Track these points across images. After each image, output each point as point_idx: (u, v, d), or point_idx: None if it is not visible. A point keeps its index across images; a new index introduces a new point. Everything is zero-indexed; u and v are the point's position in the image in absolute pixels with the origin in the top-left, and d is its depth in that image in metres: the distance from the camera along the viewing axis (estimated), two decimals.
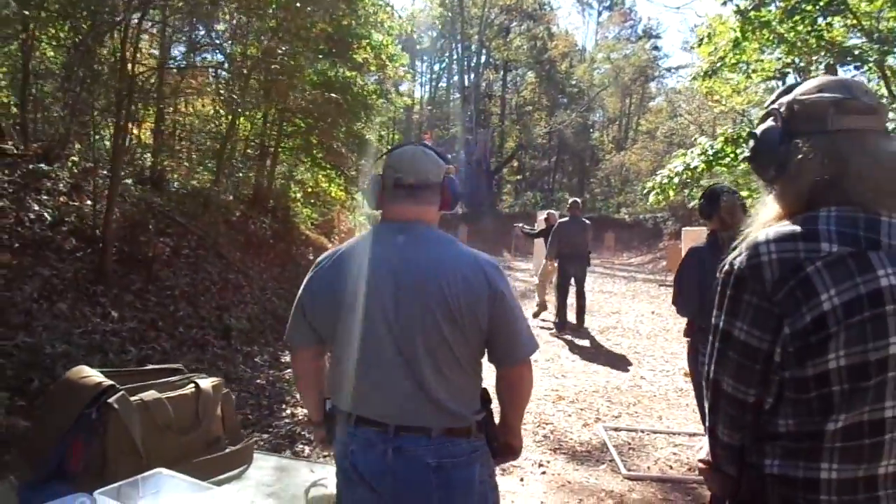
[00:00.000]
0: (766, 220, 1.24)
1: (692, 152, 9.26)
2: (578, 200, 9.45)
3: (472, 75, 36.99)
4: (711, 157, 8.99)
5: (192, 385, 2.24)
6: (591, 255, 8.95)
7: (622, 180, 35.12)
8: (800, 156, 1.19)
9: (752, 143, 1.33)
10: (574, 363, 7.05)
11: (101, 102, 6.61)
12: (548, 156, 40.72)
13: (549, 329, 8.88)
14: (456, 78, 38.30)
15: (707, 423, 1.30)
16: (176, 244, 7.42)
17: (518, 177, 39.11)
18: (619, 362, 7.16)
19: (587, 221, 8.97)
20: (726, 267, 1.20)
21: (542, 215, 11.69)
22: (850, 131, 1.18)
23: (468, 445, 1.71)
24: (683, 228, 13.63)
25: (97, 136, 7.26)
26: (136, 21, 6.65)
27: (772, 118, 1.30)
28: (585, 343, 8.17)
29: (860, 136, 1.17)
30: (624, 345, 8.16)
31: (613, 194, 34.88)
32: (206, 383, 2.29)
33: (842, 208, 1.14)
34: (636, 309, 11.39)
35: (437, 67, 42.40)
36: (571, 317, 8.91)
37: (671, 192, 9.77)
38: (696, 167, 9.07)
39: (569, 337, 8.43)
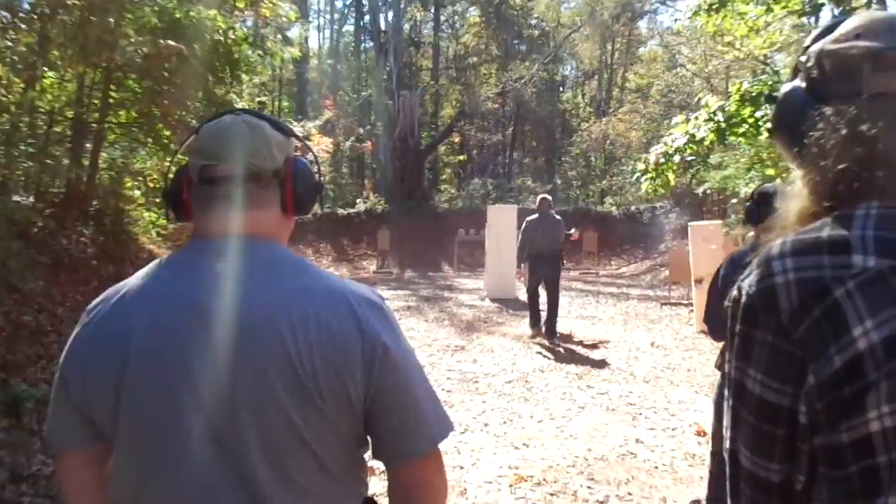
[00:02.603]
0: (790, 219, 1.26)
1: (697, 117, 9.45)
2: (549, 197, 11.30)
3: (392, 14, 36.84)
4: (723, 124, 9.12)
5: None
6: (563, 256, 11.19)
7: (606, 158, 35.69)
8: (818, 133, 1.20)
9: (773, 110, 1.35)
10: (542, 424, 6.93)
11: None
12: (502, 127, 41.08)
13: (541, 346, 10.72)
14: (367, 18, 38.13)
15: None
16: None
17: (461, 157, 39.30)
18: (606, 419, 7.10)
19: (558, 218, 10.91)
20: (734, 293, 1.22)
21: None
22: (892, 96, 1.16)
23: None
24: (690, 224, 13.78)
25: None
26: None
27: (800, 75, 1.30)
28: (558, 392, 8.11)
29: None
30: (613, 393, 8.12)
31: (594, 179, 35.30)
32: None
33: (887, 203, 1.13)
34: (630, 340, 11.40)
35: (340, 4, 42.26)
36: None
37: (671, 176, 10.00)
38: (702, 138, 9.23)
39: (538, 372, 8.39)
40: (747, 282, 1.19)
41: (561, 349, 10.30)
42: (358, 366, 1.47)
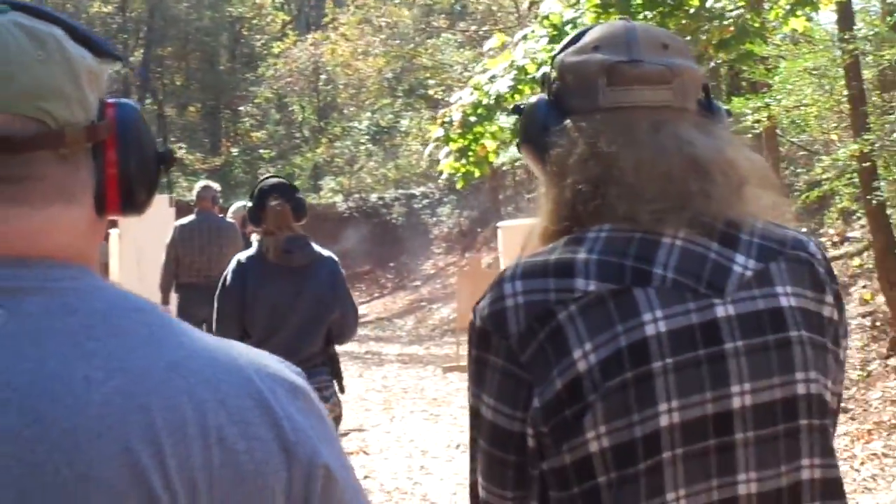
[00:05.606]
0: (532, 239, 1.37)
1: (527, 36, 7.45)
2: (214, 186, 9.24)
3: None
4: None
5: None
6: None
7: (320, 108, 23.82)
8: (558, 149, 1.29)
9: (519, 123, 1.48)
10: None
11: None
12: (123, 48, 26.32)
13: None
14: None
15: None
16: None
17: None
18: None
19: (230, 221, 8.99)
20: (471, 316, 1.32)
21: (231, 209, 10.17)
22: (626, 110, 1.28)
23: None
24: (498, 225, 11.52)
25: None
26: None
27: (546, 86, 1.45)
28: None
29: (639, 117, 1.26)
30: None
31: (300, 145, 24.04)
32: None
33: (618, 226, 1.24)
34: (403, 438, 8.45)
35: None
36: None
37: (490, 145, 7.64)
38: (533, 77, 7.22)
39: None
40: (481, 306, 1.27)
41: None
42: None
